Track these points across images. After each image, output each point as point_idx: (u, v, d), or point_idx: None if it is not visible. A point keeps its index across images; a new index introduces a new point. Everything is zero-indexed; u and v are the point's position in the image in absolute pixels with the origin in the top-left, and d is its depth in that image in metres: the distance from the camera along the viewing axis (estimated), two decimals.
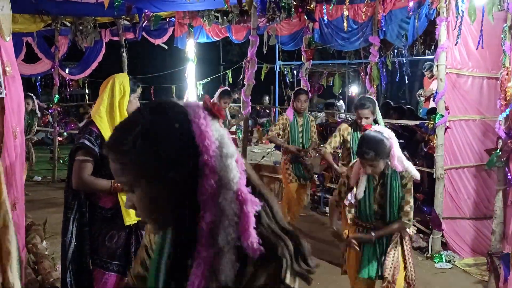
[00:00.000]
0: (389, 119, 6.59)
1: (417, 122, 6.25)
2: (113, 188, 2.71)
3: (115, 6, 5.81)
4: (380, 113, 4.66)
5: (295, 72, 9.32)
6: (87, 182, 2.72)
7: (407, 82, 10.23)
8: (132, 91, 2.90)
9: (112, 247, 2.84)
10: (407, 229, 3.25)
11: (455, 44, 4.88)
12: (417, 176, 3.11)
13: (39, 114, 8.83)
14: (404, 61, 8.99)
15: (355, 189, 3.21)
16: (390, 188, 3.05)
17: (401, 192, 3.07)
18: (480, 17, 4.66)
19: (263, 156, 9.01)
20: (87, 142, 2.75)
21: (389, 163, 3.02)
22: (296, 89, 6.00)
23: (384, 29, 6.03)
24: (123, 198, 2.75)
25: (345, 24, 6.35)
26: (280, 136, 5.61)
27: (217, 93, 6.47)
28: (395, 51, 8.57)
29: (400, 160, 3.01)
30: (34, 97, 7.98)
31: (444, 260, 4.96)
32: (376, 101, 4.70)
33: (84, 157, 2.75)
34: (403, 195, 3.08)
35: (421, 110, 9.38)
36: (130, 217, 2.81)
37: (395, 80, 9.03)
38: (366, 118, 4.43)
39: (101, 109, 2.84)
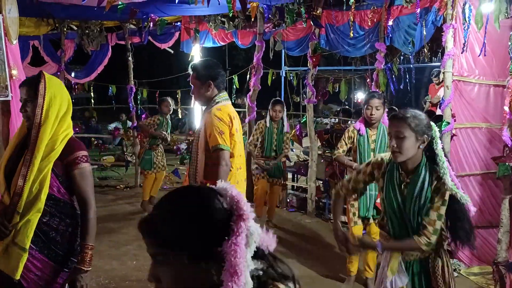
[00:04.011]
0: None
1: None
2: None
3: (118, 10, 5.80)
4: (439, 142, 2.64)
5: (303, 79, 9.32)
6: None
7: (413, 88, 10.19)
8: None
9: None
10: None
11: (462, 53, 4.85)
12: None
13: None
14: (411, 68, 8.97)
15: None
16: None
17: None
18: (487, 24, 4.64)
19: None
20: None
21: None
22: (368, 91, 4.53)
23: (390, 35, 6.02)
24: None
25: (351, 30, 6.34)
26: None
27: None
28: (402, 57, 8.55)
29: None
30: None
31: None
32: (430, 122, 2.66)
33: None
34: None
35: None
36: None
37: (401, 86, 9.02)
38: (400, 137, 2.52)
39: None
